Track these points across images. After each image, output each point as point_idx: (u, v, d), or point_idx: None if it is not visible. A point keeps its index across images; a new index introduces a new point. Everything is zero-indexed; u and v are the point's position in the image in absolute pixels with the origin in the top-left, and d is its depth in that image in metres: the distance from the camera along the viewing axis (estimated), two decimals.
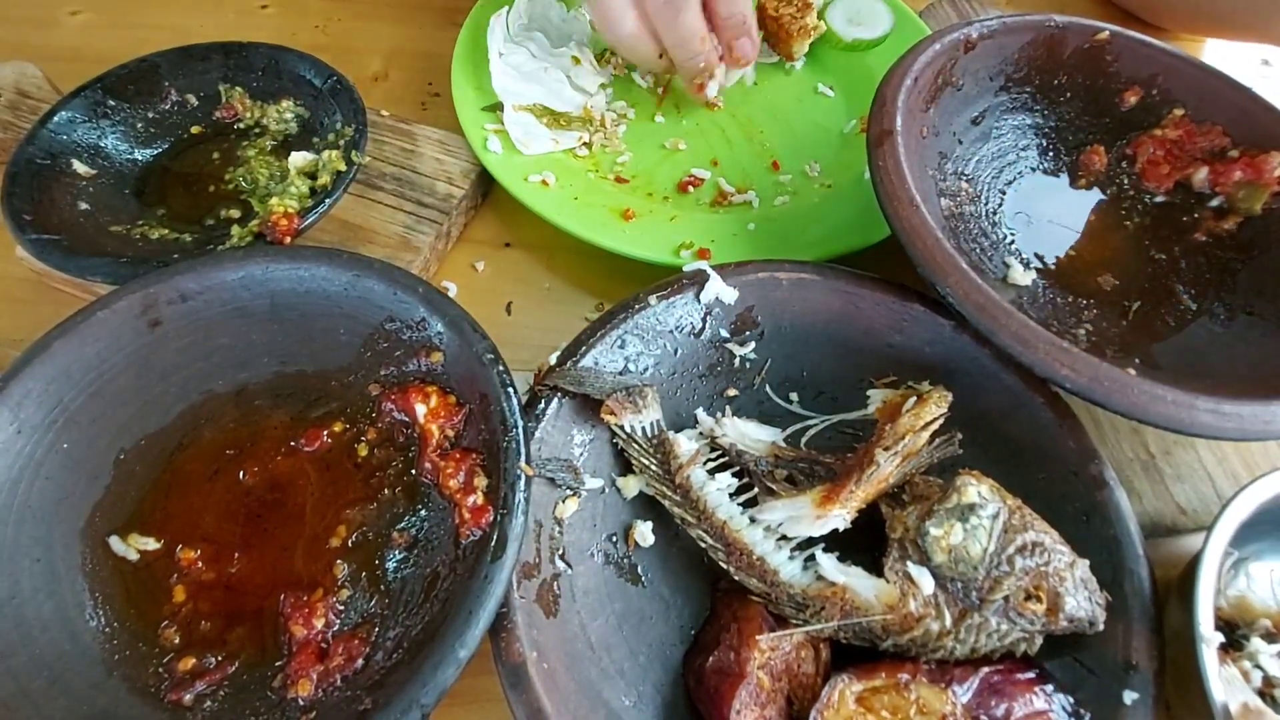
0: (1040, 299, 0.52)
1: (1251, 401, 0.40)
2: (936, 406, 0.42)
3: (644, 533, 0.43)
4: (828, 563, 0.39)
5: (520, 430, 0.39)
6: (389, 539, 0.41)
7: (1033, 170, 0.59)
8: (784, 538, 0.40)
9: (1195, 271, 0.53)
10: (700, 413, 0.46)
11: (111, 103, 0.55)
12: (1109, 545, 0.40)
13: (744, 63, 0.63)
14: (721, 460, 0.44)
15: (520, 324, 0.56)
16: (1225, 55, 0.83)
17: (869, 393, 0.46)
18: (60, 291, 0.53)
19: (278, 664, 0.37)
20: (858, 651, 0.39)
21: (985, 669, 0.37)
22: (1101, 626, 0.37)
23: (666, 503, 0.42)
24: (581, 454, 0.43)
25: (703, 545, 0.41)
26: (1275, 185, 0.52)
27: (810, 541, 0.40)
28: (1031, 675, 0.37)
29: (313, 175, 0.52)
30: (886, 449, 0.41)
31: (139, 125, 0.56)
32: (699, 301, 0.47)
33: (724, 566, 0.40)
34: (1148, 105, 0.58)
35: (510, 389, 0.40)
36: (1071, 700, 0.37)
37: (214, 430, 0.44)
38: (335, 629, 0.38)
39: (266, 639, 0.38)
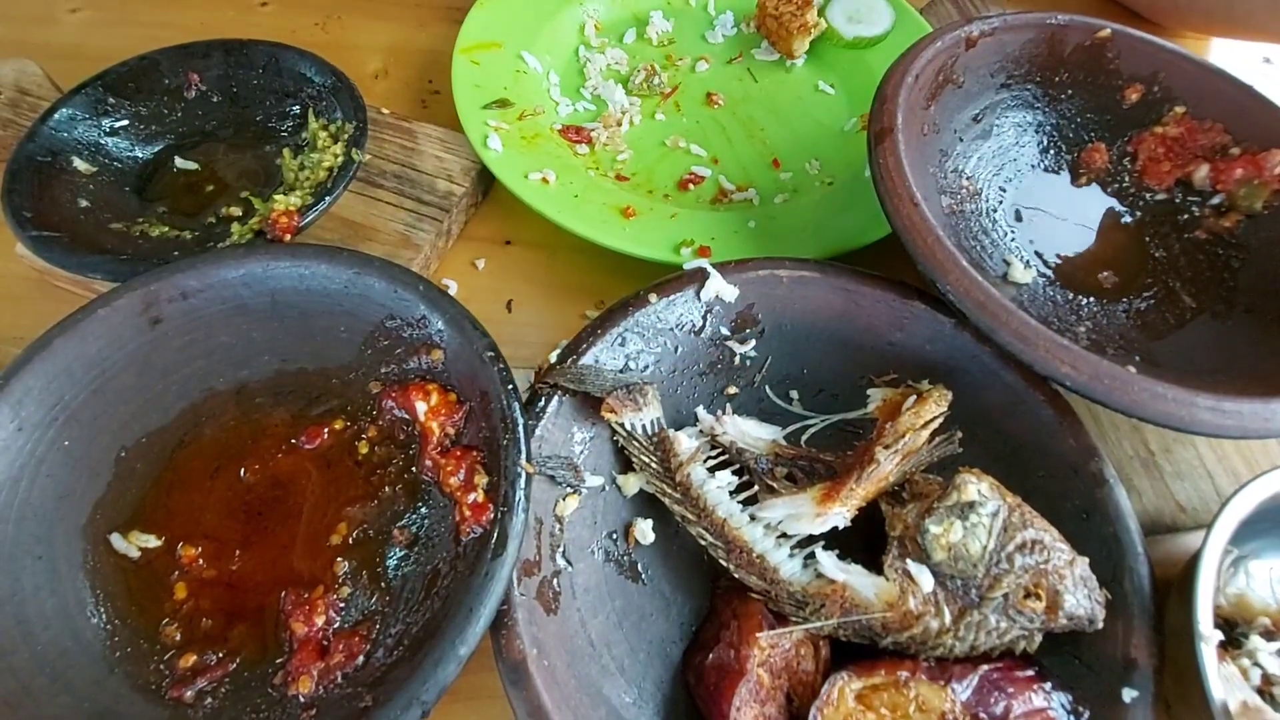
0: (1040, 297, 0.52)
1: (1252, 399, 0.40)
2: (936, 405, 0.42)
3: (644, 530, 0.43)
4: (827, 560, 0.39)
5: (521, 428, 0.39)
6: (390, 536, 0.41)
7: (1033, 168, 0.59)
8: (784, 535, 0.40)
9: (1196, 269, 0.53)
10: (700, 410, 0.46)
11: (112, 100, 0.55)
12: (1109, 543, 0.40)
13: None
14: (722, 458, 0.44)
15: (521, 322, 0.56)
16: (1226, 53, 0.83)
17: (869, 391, 0.46)
18: (61, 289, 0.53)
19: (279, 661, 0.37)
20: (857, 649, 0.39)
21: (984, 666, 0.37)
22: (1101, 624, 0.37)
23: (667, 500, 0.42)
24: (582, 452, 0.43)
25: (703, 543, 0.41)
26: (1276, 183, 0.52)
27: (810, 539, 0.40)
28: (1031, 673, 0.37)
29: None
30: (887, 447, 0.41)
31: (139, 123, 0.56)
32: (699, 299, 0.47)
33: (724, 564, 0.40)
34: (1149, 102, 0.57)
35: (510, 387, 0.40)
36: (1070, 698, 0.37)
37: (215, 428, 0.44)
38: (336, 626, 0.38)
39: (267, 636, 0.38)
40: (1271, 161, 0.52)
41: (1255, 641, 0.40)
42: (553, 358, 0.44)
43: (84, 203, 0.51)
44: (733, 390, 0.48)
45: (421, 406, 0.43)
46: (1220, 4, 0.74)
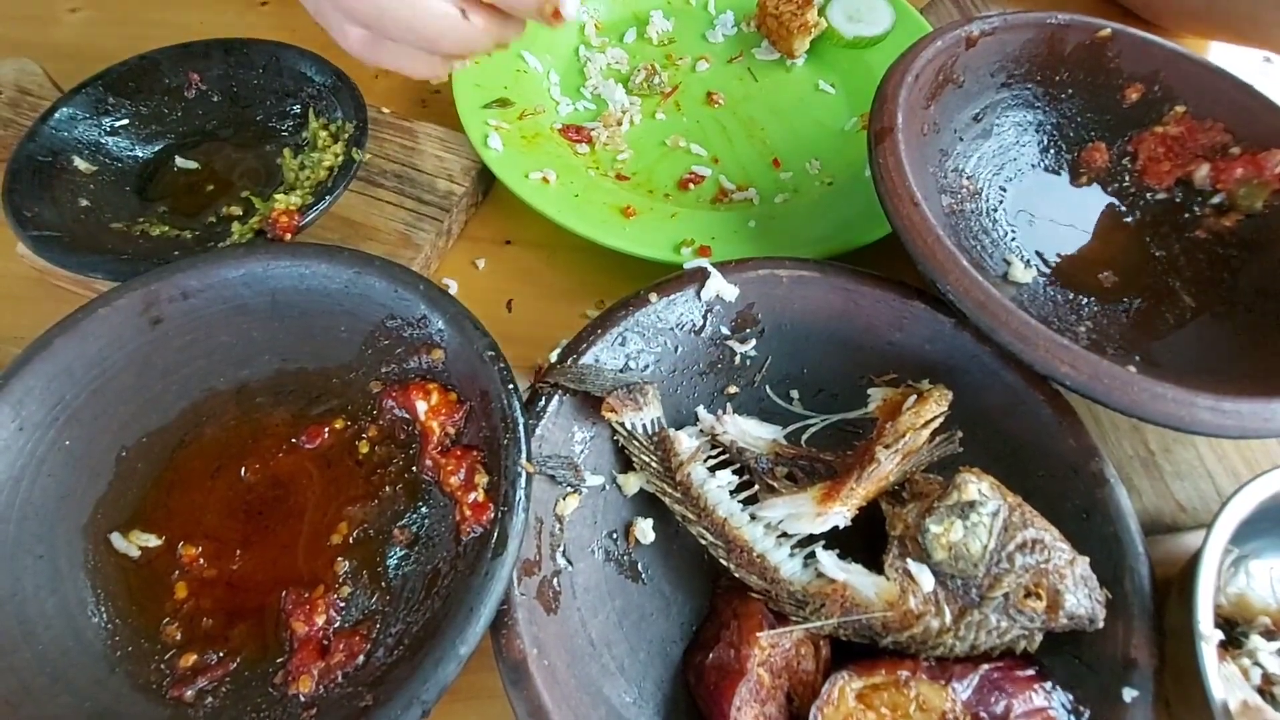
0: (1041, 296, 0.52)
1: (1252, 399, 0.40)
2: (937, 405, 0.42)
3: (644, 530, 0.43)
4: (828, 560, 0.39)
5: (521, 427, 0.39)
6: (390, 536, 0.41)
7: (1034, 167, 0.59)
8: (784, 535, 0.40)
9: (1196, 269, 0.53)
10: (701, 410, 0.46)
11: (112, 100, 0.55)
12: (1109, 543, 0.40)
13: None
14: (722, 458, 0.44)
15: (521, 321, 0.56)
16: (1227, 52, 0.83)
17: (869, 391, 0.46)
18: (62, 289, 0.53)
19: (279, 660, 0.37)
20: (858, 649, 0.39)
21: (985, 666, 0.37)
22: (1101, 624, 0.37)
23: (667, 500, 0.42)
24: (582, 451, 0.43)
25: (703, 542, 0.41)
26: (1276, 183, 0.52)
27: (810, 539, 0.40)
28: (1031, 672, 0.37)
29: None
30: (887, 447, 0.41)
31: (140, 122, 0.56)
32: (700, 299, 0.47)
33: (724, 564, 0.40)
34: (1149, 102, 0.57)
35: (511, 386, 0.40)
36: (1071, 697, 0.37)
37: (215, 428, 0.44)
38: (336, 625, 0.38)
39: (268, 636, 0.38)
40: (1272, 161, 0.52)
41: (1255, 641, 0.40)
42: (553, 357, 0.44)
43: (84, 202, 0.51)
44: (733, 390, 0.48)
45: (422, 406, 0.43)
46: (1204, 7, 0.74)
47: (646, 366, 0.46)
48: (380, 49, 0.41)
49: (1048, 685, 0.37)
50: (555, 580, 0.39)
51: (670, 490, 0.42)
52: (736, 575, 0.40)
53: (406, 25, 0.39)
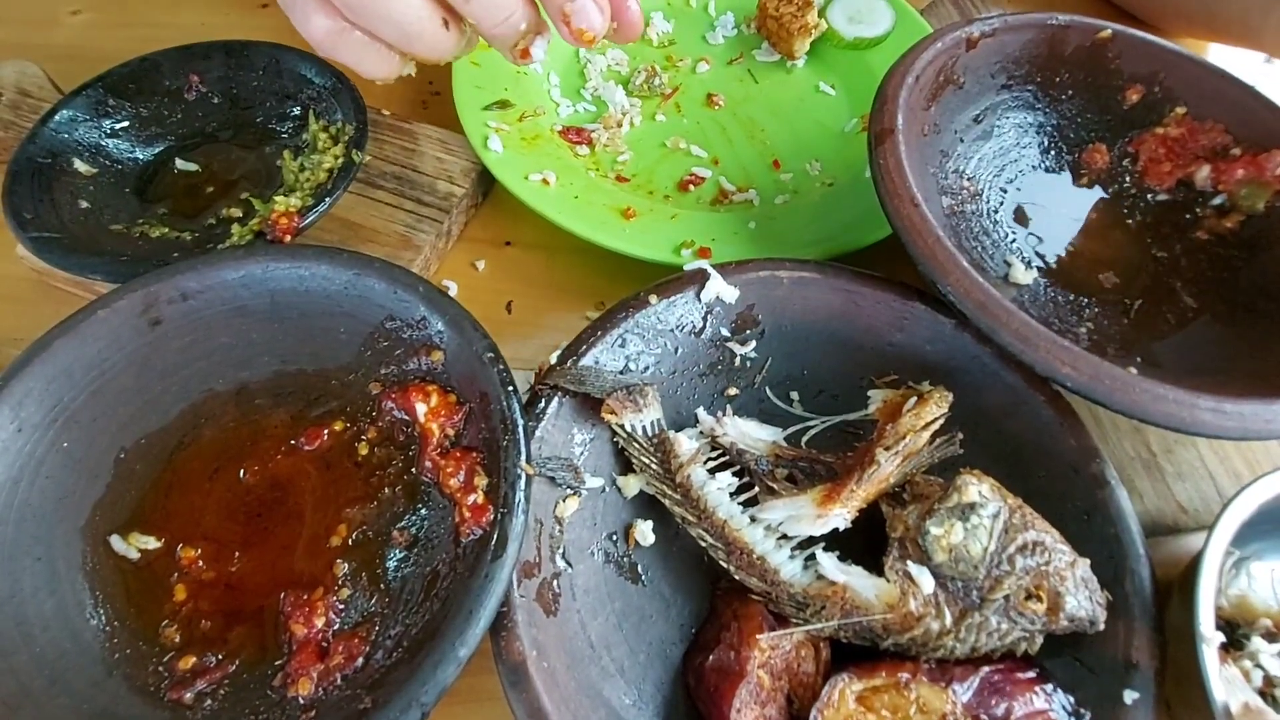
0: (1041, 297, 0.52)
1: (1253, 400, 0.40)
2: (937, 406, 0.42)
3: (644, 532, 0.43)
4: (828, 562, 0.39)
5: (521, 429, 0.39)
6: (389, 538, 0.41)
7: (1034, 168, 0.58)
8: (784, 537, 0.40)
9: (1197, 270, 0.53)
10: (701, 412, 0.46)
11: (112, 102, 0.55)
12: (1110, 544, 0.40)
13: (588, 37, 0.40)
14: (722, 459, 0.44)
15: (521, 323, 0.56)
16: (1228, 53, 0.83)
17: (870, 392, 0.46)
18: (61, 290, 0.53)
19: (278, 663, 0.37)
20: (858, 650, 0.39)
21: (985, 668, 0.37)
22: (1102, 626, 0.37)
23: (667, 502, 0.42)
24: (582, 453, 0.43)
25: (703, 544, 0.41)
26: (1277, 184, 0.52)
27: (811, 541, 0.40)
28: (1032, 674, 0.37)
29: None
30: (887, 448, 0.41)
31: (140, 124, 0.56)
32: (700, 300, 0.47)
33: (724, 565, 0.40)
34: (1150, 103, 0.57)
35: (511, 388, 0.40)
36: (1072, 699, 0.37)
37: (214, 429, 0.44)
38: (335, 628, 0.38)
39: (267, 638, 0.38)
40: (1272, 162, 0.52)
41: (1257, 643, 0.40)
42: (553, 359, 0.44)
43: (84, 204, 0.51)
44: (733, 391, 0.48)
45: (421, 408, 0.42)
46: (1196, 9, 0.74)
47: (646, 368, 0.46)
48: (345, 41, 0.40)
49: (1048, 687, 0.37)
50: (555, 582, 0.39)
51: (670, 492, 0.42)
52: (736, 577, 0.40)
53: (387, 17, 0.38)
